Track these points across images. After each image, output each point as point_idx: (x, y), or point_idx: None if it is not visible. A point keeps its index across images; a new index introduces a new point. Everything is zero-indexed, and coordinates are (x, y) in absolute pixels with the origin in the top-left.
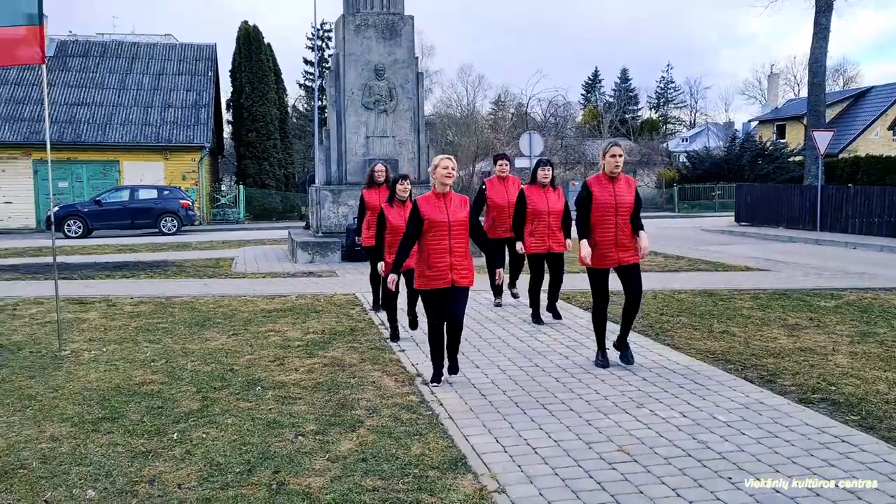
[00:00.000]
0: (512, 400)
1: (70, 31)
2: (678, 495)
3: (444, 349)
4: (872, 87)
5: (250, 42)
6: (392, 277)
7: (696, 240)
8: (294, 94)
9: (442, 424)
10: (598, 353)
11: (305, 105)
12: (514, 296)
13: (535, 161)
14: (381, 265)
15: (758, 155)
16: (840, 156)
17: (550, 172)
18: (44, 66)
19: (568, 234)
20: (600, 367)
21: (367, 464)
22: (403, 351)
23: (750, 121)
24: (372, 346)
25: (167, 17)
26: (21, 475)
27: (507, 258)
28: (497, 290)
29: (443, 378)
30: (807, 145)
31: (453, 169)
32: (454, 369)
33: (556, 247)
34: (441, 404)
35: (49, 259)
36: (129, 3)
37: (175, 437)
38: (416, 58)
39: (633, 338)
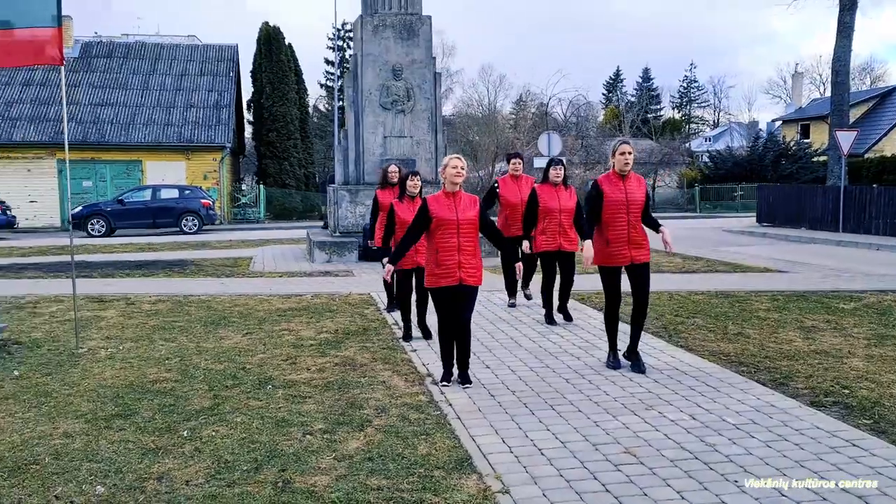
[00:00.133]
0: (520, 400)
1: (95, 33)
2: (683, 498)
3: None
4: None
5: (271, 43)
6: (388, 268)
7: (716, 241)
8: (315, 94)
9: (449, 424)
10: (610, 354)
11: (326, 105)
12: (528, 297)
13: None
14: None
15: (781, 155)
16: (865, 156)
17: (562, 171)
18: (62, 67)
19: (581, 234)
20: (611, 368)
21: (372, 463)
22: (415, 351)
23: (774, 120)
24: (384, 345)
25: (190, 18)
26: (33, 470)
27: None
28: (511, 290)
29: (453, 378)
30: (830, 145)
31: (462, 168)
32: (465, 379)
33: (567, 245)
34: (450, 404)
35: None
36: (154, 4)
37: (185, 435)
38: (434, 58)
39: (647, 339)
